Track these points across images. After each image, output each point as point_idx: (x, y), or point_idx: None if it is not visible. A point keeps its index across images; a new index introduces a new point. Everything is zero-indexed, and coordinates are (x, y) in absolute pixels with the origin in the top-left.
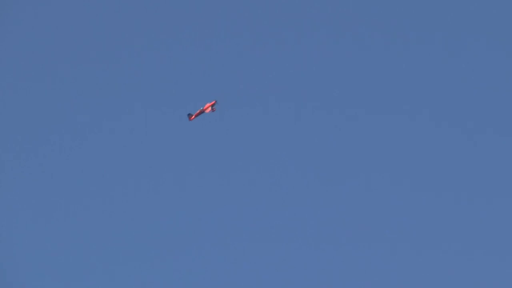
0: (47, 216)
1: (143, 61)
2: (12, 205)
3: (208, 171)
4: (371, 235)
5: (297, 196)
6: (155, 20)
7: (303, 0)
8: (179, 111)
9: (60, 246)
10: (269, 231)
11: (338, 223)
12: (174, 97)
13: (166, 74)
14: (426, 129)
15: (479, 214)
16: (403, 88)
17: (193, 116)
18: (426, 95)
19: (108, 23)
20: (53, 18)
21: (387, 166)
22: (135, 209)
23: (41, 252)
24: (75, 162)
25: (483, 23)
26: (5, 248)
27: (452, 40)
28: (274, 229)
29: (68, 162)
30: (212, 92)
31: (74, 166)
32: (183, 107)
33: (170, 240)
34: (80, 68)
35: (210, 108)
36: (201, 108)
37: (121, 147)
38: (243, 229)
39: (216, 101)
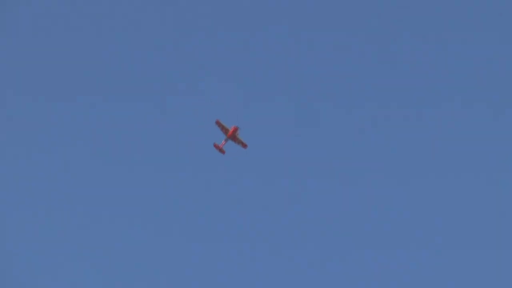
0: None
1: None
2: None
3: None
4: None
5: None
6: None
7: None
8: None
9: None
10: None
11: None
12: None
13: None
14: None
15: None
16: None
17: (221, 147)
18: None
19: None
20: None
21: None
22: (135, 209)
23: (40, 251)
24: (73, 160)
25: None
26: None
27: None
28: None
29: (66, 160)
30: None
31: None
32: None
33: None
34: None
35: (237, 137)
36: (225, 138)
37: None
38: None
39: (238, 127)
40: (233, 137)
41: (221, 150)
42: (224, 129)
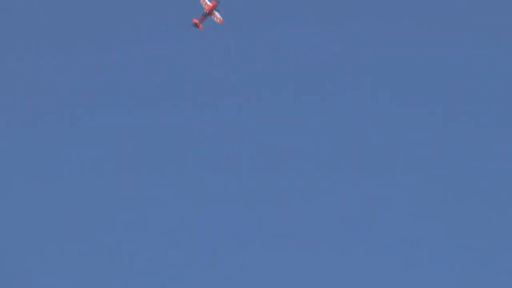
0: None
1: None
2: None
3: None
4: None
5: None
6: None
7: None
8: None
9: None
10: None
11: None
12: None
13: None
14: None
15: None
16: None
17: (199, 23)
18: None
19: None
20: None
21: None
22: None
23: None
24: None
25: None
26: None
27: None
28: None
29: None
30: None
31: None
32: None
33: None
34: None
35: (214, 13)
36: (204, 12)
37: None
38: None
39: (218, 2)
40: (211, 12)
41: (199, 26)
42: (205, 4)
